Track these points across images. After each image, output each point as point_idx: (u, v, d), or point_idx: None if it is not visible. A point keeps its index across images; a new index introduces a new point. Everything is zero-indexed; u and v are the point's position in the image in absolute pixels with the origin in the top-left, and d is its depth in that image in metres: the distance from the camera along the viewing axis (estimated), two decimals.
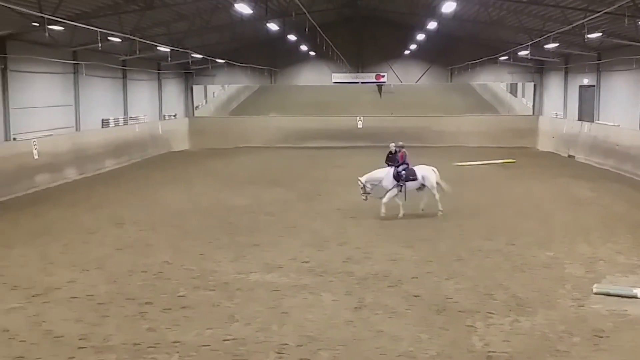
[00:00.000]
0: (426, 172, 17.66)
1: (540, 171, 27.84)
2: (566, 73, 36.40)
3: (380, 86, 45.63)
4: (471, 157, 32.24)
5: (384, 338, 8.91)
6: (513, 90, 50.66)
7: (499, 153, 34.26)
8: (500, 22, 30.22)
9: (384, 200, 17.49)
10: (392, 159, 18.02)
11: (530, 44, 28.77)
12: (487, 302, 10.42)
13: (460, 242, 14.65)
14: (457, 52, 39.49)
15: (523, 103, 46.70)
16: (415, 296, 10.70)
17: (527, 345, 8.70)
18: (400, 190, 17.51)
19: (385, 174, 17.59)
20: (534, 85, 41.85)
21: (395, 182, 17.43)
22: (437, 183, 17.75)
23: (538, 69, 40.18)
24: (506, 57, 35.65)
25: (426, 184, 17.57)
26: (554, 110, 38.77)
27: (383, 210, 17.40)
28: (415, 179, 17.48)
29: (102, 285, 11.43)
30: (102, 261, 13.14)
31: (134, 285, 11.49)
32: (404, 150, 17.91)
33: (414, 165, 17.81)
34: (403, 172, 17.46)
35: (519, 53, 32.50)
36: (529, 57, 32.13)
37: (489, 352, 8.45)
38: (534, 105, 42.12)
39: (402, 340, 8.81)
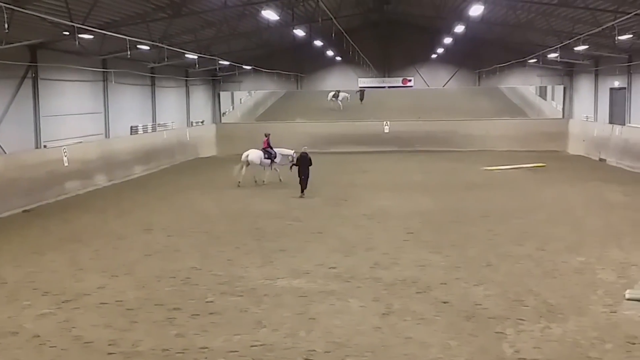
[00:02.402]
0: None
1: (570, 175, 27.51)
2: (596, 75, 35.91)
3: (362, 92, 50.50)
4: (500, 161, 32.00)
5: (413, 344, 8.83)
6: (542, 93, 50.06)
7: (528, 157, 33.91)
8: (529, 24, 29.99)
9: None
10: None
11: (560, 47, 28.44)
12: (517, 308, 10.28)
13: (490, 248, 14.50)
14: (484, 55, 39.29)
15: (553, 106, 46.13)
16: (444, 302, 10.59)
17: (559, 352, 8.57)
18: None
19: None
20: (564, 88, 41.40)
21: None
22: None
23: (568, 71, 39.73)
24: (535, 60, 35.30)
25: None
26: (584, 113, 38.28)
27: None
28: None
29: (131, 291, 11.51)
30: (131, 267, 13.25)
31: (162, 291, 11.56)
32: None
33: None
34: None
35: (548, 56, 32.16)
36: (558, 59, 31.76)
37: (519, 358, 8.34)
38: (563, 109, 41.66)
39: (431, 347, 8.72)
